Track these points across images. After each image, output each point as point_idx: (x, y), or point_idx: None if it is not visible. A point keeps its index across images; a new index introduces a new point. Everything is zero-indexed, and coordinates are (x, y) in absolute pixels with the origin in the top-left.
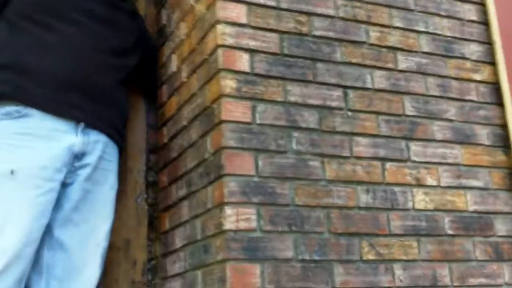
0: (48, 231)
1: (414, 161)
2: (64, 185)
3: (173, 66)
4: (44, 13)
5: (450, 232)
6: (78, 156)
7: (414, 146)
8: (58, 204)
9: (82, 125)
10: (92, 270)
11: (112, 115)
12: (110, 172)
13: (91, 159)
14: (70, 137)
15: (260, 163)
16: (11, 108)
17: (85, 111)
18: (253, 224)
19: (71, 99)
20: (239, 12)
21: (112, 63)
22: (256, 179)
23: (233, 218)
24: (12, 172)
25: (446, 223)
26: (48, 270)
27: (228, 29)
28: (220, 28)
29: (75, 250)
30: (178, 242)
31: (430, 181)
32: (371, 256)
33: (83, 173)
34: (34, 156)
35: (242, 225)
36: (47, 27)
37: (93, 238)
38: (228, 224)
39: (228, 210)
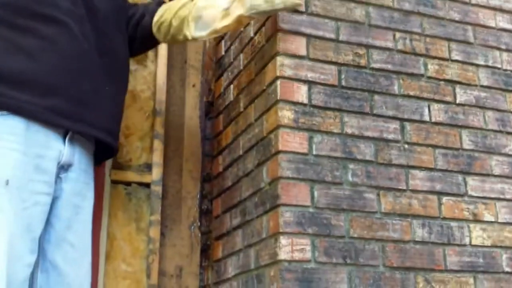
0: (41, 253)
1: (472, 196)
2: (52, 199)
3: (231, 96)
4: (21, 15)
5: (507, 269)
6: (64, 167)
7: (472, 181)
8: (48, 223)
9: (70, 133)
10: None
11: (102, 118)
12: (91, 185)
13: (76, 172)
14: (58, 146)
15: (315, 194)
16: None
17: (71, 118)
18: (308, 255)
19: (56, 106)
20: (298, 44)
21: (99, 63)
22: (311, 209)
23: (288, 248)
24: (7, 182)
25: (504, 260)
26: None
27: (287, 61)
28: (279, 59)
29: (70, 273)
30: (231, 271)
31: (487, 216)
32: None
33: (69, 187)
34: (24, 164)
35: (297, 255)
36: (26, 30)
37: (88, 259)
38: (283, 254)
39: (283, 240)
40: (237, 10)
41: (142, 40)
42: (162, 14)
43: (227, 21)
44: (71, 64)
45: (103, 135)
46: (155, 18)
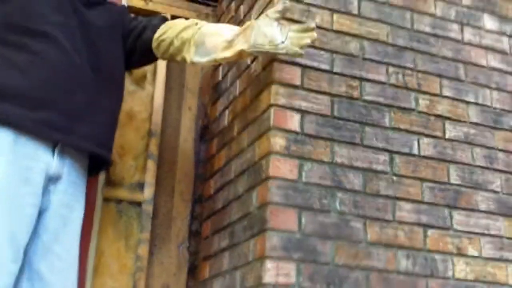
0: (27, 262)
1: (457, 230)
2: (40, 211)
3: (225, 121)
4: (13, 32)
5: None
6: (53, 179)
7: (457, 215)
8: (35, 233)
9: (59, 146)
10: None
11: (94, 131)
12: (81, 197)
13: (65, 184)
14: (46, 158)
15: (303, 220)
16: None
17: (61, 131)
18: (292, 280)
19: (46, 119)
20: (293, 74)
21: (91, 77)
22: (298, 235)
23: (273, 272)
24: None
25: None
26: None
27: (282, 90)
28: (274, 88)
29: (55, 283)
30: None
31: (471, 251)
32: None
33: (57, 199)
34: (10, 175)
35: (281, 280)
36: (17, 46)
37: (74, 271)
38: (268, 278)
39: (269, 264)
40: (240, 45)
41: (141, 54)
42: (165, 31)
43: (228, 53)
44: (62, 78)
45: (95, 147)
46: (157, 34)
